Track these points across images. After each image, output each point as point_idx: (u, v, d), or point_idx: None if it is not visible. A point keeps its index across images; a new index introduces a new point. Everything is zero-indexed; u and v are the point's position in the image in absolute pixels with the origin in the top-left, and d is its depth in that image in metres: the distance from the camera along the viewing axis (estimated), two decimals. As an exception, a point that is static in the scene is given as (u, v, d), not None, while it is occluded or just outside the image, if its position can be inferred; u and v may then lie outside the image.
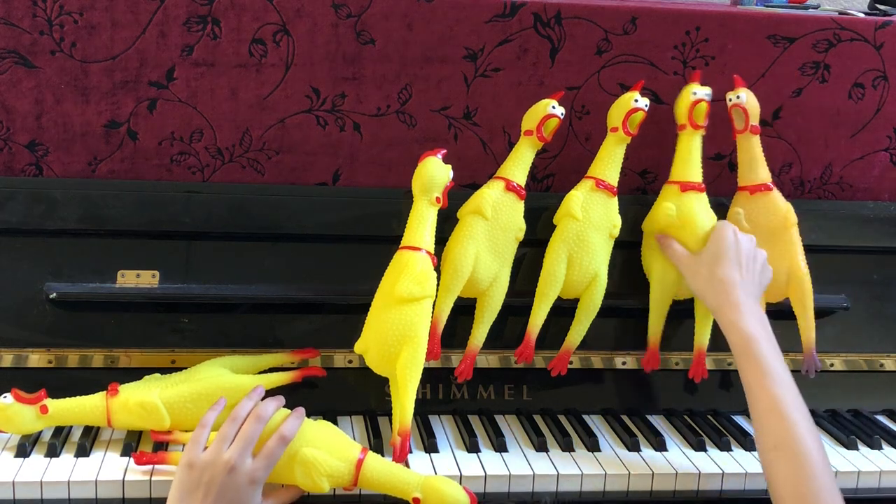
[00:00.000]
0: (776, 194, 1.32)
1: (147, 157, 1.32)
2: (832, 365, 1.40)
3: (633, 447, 1.26)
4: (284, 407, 1.12)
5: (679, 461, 1.23)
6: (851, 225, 1.43)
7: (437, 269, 1.20)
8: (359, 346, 1.20)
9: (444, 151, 1.21)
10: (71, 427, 1.21)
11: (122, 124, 1.31)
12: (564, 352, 1.31)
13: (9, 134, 1.29)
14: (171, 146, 1.32)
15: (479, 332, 1.27)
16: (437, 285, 1.20)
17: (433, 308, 1.19)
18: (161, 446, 1.16)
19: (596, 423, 1.33)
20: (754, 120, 1.32)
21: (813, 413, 1.38)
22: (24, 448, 1.15)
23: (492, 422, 1.30)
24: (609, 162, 1.29)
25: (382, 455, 1.14)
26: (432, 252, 1.19)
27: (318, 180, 1.36)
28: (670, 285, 1.31)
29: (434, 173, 1.19)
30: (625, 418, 1.35)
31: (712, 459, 1.24)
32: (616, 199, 1.29)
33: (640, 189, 1.43)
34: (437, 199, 1.20)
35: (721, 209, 1.33)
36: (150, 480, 1.10)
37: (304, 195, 1.32)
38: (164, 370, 1.23)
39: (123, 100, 1.30)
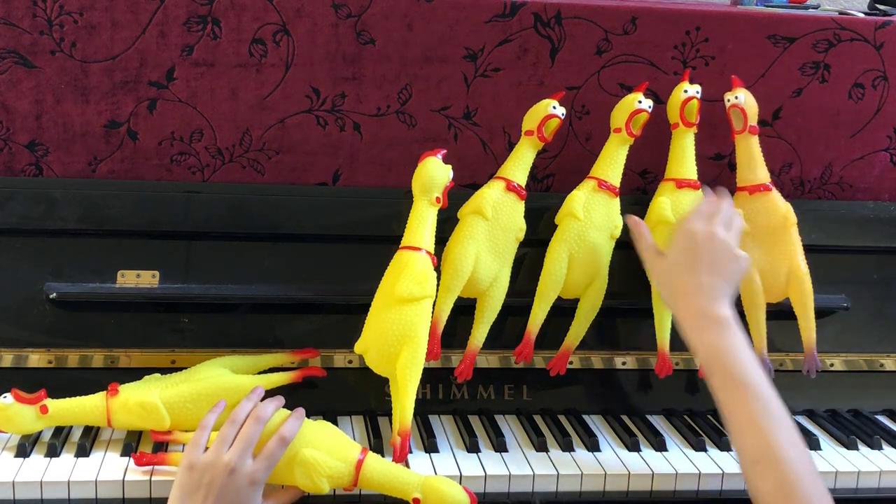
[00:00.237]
0: (775, 194, 1.32)
1: (147, 157, 1.32)
2: (832, 365, 1.40)
3: (633, 447, 1.26)
4: (284, 407, 1.12)
5: (679, 461, 1.23)
6: (851, 225, 1.43)
7: (437, 269, 1.20)
8: (359, 346, 1.20)
9: (444, 151, 1.21)
10: (71, 427, 1.21)
11: (122, 124, 1.31)
12: (564, 352, 1.31)
13: (9, 134, 1.29)
14: (171, 146, 1.32)
15: (479, 332, 1.27)
16: (437, 285, 1.20)
17: (433, 308, 1.19)
18: (161, 447, 1.16)
19: (596, 423, 1.33)
20: (753, 120, 1.32)
21: (813, 413, 1.40)
22: (24, 448, 1.14)
23: (492, 422, 1.30)
24: (611, 162, 1.29)
25: (382, 455, 1.14)
26: (432, 252, 1.19)
27: (318, 180, 1.36)
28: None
29: (434, 173, 1.19)
30: (625, 418, 1.34)
31: (712, 459, 1.24)
32: (618, 199, 1.29)
33: (639, 189, 1.43)
34: (437, 199, 1.20)
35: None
36: (150, 481, 1.10)
37: (304, 195, 1.32)
38: (164, 370, 1.23)
39: (123, 100, 1.30)
